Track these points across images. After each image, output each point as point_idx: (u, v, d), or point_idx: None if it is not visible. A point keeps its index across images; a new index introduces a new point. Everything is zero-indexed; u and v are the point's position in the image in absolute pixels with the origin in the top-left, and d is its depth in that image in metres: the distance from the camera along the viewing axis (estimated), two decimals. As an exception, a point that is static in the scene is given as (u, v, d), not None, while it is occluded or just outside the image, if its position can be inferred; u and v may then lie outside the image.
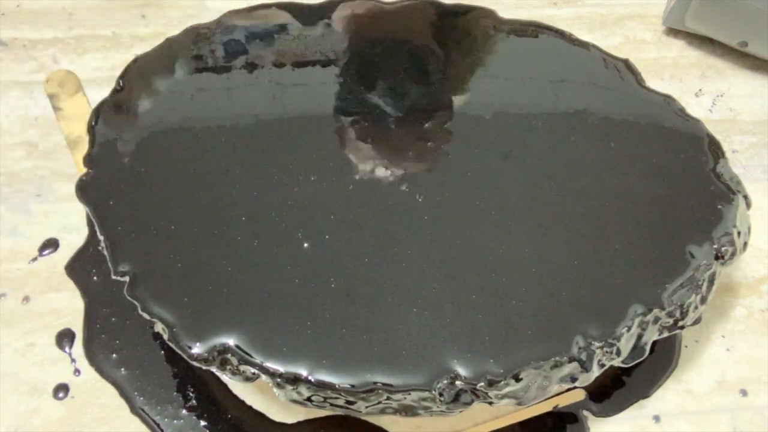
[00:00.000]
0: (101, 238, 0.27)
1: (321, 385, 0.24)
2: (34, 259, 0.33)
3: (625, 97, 0.31)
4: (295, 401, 0.25)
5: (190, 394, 0.30)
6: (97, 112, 0.30)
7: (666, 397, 0.31)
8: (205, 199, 0.28)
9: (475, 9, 0.35)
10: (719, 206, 0.28)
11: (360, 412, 0.25)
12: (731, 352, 0.32)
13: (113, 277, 0.26)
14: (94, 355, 0.31)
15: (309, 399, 0.25)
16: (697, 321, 0.27)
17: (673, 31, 0.42)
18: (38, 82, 0.38)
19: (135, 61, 0.32)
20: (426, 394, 0.24)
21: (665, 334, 0.27)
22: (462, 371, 0.24)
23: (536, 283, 0.26)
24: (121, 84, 0.31)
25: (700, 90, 0.40)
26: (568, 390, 0.30)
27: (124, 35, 0.40)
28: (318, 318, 0.25)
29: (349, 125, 0.30)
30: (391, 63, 0.32)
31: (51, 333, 0.31)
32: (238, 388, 0.30)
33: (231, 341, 0.25)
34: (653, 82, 0.39)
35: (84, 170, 0.29)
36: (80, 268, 0.33)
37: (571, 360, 0.25)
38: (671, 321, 0.27)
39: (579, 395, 0.30)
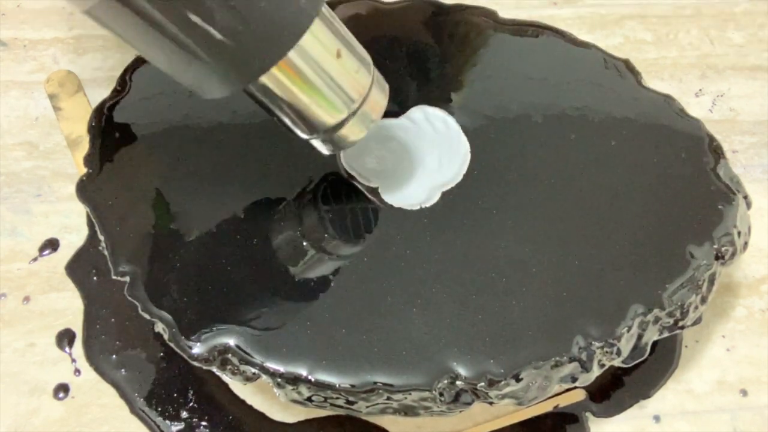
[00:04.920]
0: (101, 238, 0.27)
1: (321, 385, 0.24)
2: (34, 259, 0.33)
3: (625, 97, 0.31)
4: (295, 401, 0.25)
5: (190, 395, 0.30)
6: (97, 112, 0.30)
7: (666, 397, 0.31)
8: (206, 198, 0.28)
9: (475, 9, 0.35)
10: (719, 206, 0.28)
11: (360, 412, 0.25)
12: (731, 352, 0.32)
13: (113, 277, 0.26)
14: (93, 356, 0.31)
15: (309, 399, 0.25)
16: (697, 321, 0.27)
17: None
18: (38, 82, 0.38)
19: (135, 61, 0.32)
20: (426, 394, 0.24)
21: (665, 334, 0.27)
22: (462, 371, 0.24)
23: (536, 283, 0.26)
24: (121, 84, 0.31)
25: (700, 90, 0.40)
26: (569, 390, 0.30)
27: (124, 35, 0.40)
28: (318, 318, 0.25)
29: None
30: (390, 63, 0.32)
31: (51, 333, 0.31)
32: (238, 387, 0.30)
33: (231, 341, 0.25)
34: (653, 82, 0.39)
35: (84, 170, 0.29)
36: (80, 268, 0.33)
37: (571, 360, 0.25)
38: (671, 321, 0.27)
39: (579, 395, 0.30)
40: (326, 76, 0.23)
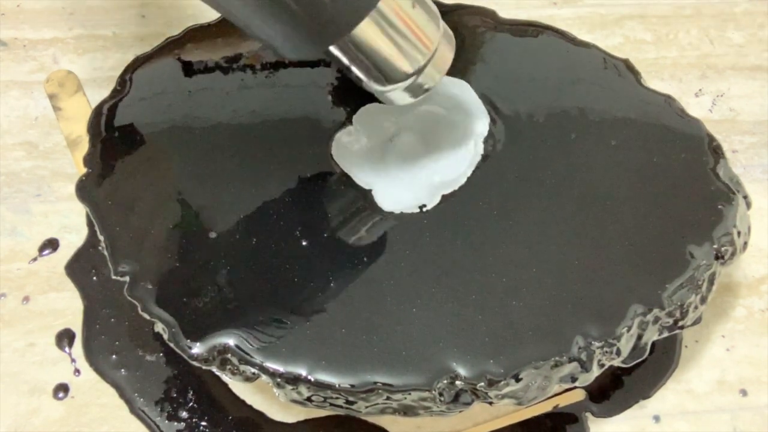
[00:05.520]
0: (101, 238, 0.27)
1: (321, 385, 0.24)
2: (34, 259, 0.33)
3: (625, 96, 0.31)
4: (295, 401, 0.25)
5: (190, 395, 0.30)
6: (97, 112, 0.30)
7: (666, 397, 0.31)
8: (205, 198, 0.28)
9: (475, 9, 0.35)
10: (719, 206, 0.28)
11: (360, 412, 0.25)
12: (731, 352, 0.32)
13: (113, 277, 0.26)
14: (93, 357, 0.31)
15: (309, 399, 0.25)
16: (697, 321, 0.27)
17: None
18: (38, 82, 0.38)
19: (135, 61, 0.32)
20: (426, 394, 0.24)
21: (665, 334, 0.27)
22: (462, 371, 0.24)
23: (536, 283, 0.26)
24: (121, 84, 0.31)
25: (700, 90, 0.40)
26: (568, 390, 0.30)
27: (124, 35, 0.40)
28: (318, 318, 0.25)
29: (350, 124, 0.30)
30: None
31: (51, 333, 0.31)
32: (238, 387, 0.30)
33: (231, 341, 0.25)
34: (653, 82, 0.39)
35: (84, 170, 0.29)
36: (80, 268, 0.33)
37: (571, 360, 0.25)
38: (671, 321, 0.27)
39: (579, 395, 0.30)
40: (406, 25, 0.24)
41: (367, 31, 0.23)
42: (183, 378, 0.30)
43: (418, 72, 0.25)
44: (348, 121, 0.30)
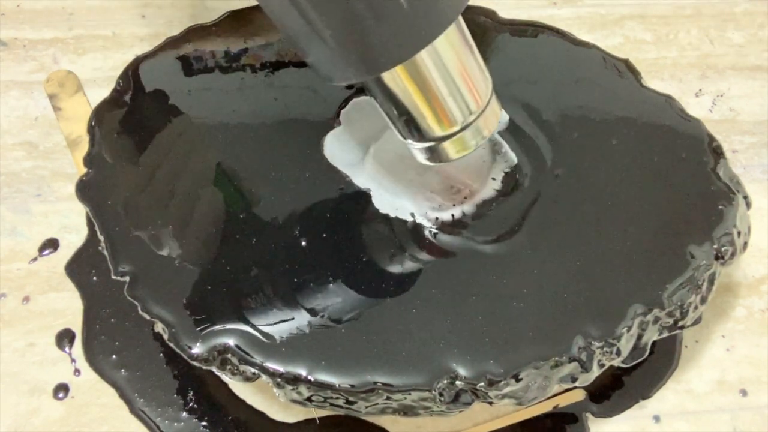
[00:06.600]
0: (101, 238, 0.27)
1: (321, 385, 0.24)
2: (34, 259, 0.33)
3: (625, 97, 0.31)
4: (295, 401, 0.25)
5: (191, 395, 0.30)
6: (97, 112, 0.30)
7: (666, 397, 0.31)
8: (204, 198, 0.28)
9: (474, 8, 0.35)
10: (719, 206, 0.28)
11: (360, 412, 0.25)
12: (731, 352, 0.32)
13: (113, 277, 0.26)
14: (93, 357, 0.31)
15: (309, 399, 0.25)
16: (697, 321, 0.27)
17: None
18: (38, 82, 0.38)
19: (135, 61, 0.32)
20: (426, 394, 0.24)
21: (665, 334, 0.27)
22: (462, 371, 0.24)
23: (536, 284, 0.26)
24: (121, 84, 0.31)
25: (700, 90, 0.40)
26: (568, 390, 0.30)
27: (124, 35, 0.40)
28: (318, 318, 0.25)
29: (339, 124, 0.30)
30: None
31: (51, 333, 0.31)
32: (238, 387, 0.30)
33: (231, 341, 0.25)
34: (653, 82, 0.39)
35: (84, 170, 0.29)
36: (80, 268, 0.33)
37: (571, 360, 0.25)
38: (671, 321, 0.27)
39: (579, 395, 0.30)
40: (451, 80, 0.22)
41: (403, 76, 0.21)
42: (183, 378, 0.30)
43: (451, 136, 0.22)
44: (338, 120, 0.30)
